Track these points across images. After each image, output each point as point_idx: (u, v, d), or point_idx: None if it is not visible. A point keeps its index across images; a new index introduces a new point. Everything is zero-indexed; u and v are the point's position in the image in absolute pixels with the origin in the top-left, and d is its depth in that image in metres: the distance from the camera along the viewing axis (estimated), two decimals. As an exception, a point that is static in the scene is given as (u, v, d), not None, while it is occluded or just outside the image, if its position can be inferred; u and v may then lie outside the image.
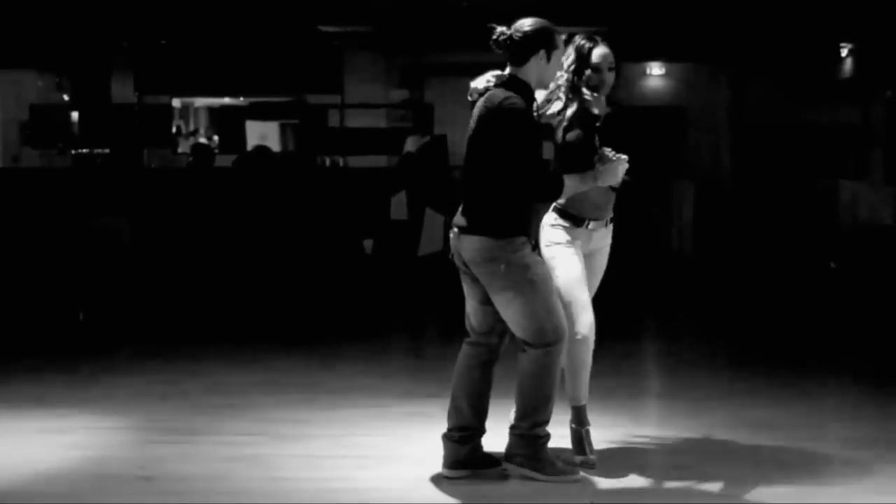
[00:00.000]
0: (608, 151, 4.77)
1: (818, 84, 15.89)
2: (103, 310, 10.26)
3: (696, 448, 5.34)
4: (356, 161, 15.17)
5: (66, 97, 16.55)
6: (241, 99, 17.09)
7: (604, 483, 4.78)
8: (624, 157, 4.77)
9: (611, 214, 5.10)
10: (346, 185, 13.02)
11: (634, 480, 4.82)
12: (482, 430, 4.87)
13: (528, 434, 4.76)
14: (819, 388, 6.83)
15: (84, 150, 15.72)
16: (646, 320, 9.98)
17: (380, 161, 14.77)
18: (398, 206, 12.15)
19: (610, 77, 4.94)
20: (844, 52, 15.53)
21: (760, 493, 4.68)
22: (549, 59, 4.72)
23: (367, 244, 12.58)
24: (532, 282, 4.62)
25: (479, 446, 4.88)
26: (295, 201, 12.57)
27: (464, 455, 4.82)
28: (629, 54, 16.21)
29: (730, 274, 12.94)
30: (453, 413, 4.86)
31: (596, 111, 4.99)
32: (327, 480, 4.83)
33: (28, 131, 16.18)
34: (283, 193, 12.63)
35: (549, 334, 4.67)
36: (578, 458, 4.98)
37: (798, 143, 15.92)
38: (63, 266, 11.99)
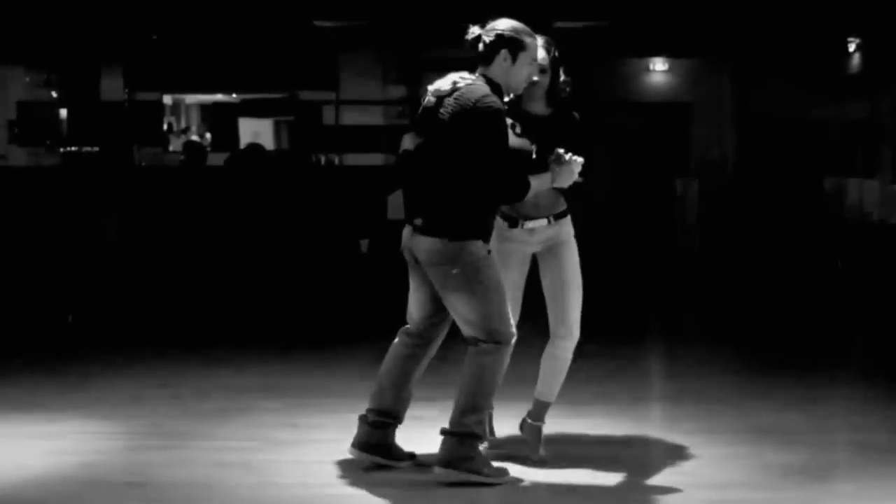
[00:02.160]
0: (563, 153, 4.82)
1: (825, 79, 15.89)
2: (92, 311, 10.26)
3: (700, 452, 5.34)
4: (352, 159, 15.18)
5: (54, 94, 16.54)
6: (234, 95, 17.09)
7: (606, 486, 4.79)
8: (579, 158, 4.82)
9: (558, 210, 5.08)
10: (342, 184, 13.03)
11: (636, 484, 4.83)
12: (399, 421, 5.05)
13: (466, 432, 4.77)
14: (827, 390, 6.83)
15: (73, 148, 15.73)
16: (649, 320, 9.98)
17: (376, 159, 14.79)
18: (395, 205, 12.15)
19: (541, 78, 4.96)
20: (852, 47, 15.53)
21: (766, 498, 4.69)
22: (514, 60, 4.76)
23: (364, 244, 12.59)
24: (484, 285, 4.72)
25: (392, 436, 5.04)
26: (289, 201, 12.58)
27: (375, 440, 4.99)
28: (632, 49, 16.26)
29: (735, 273, 12.95)
30: (376, 395, 5.05)
31: (536, 112, 5.05)
32: (322, 486, 4.84)
33: (16, 129, 16.18)
34: (277, 193, 12.64)
35: (501, 335, 4.78)
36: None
37: (805, 139, 15.92)
38: (51, 267, 11.99)
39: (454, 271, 4.71)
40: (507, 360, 4.84)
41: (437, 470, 4.81)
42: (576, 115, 5.10)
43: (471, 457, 4.79)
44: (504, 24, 4.82)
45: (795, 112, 16.09)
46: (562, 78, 5.07)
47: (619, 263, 13.42)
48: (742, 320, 9.86)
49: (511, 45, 4.76)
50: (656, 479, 4.89)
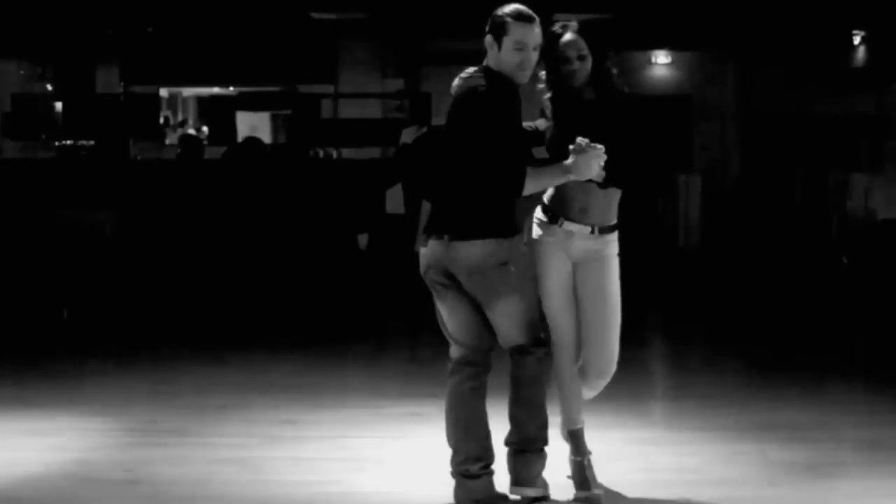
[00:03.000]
0: (583, 141, 4.41)
1: (830, 73, 15.87)
2: (88, 307, 10.26)
3: (703, 450, 5.35)
4: (350, 153, 15.16)
5: (49, 87, 16.54)
6: (231, 89, 17.08)
7: (608, 485, 4.79)
8: (599, 147, 4.39)
9: (608, 223, 4.67)
10: (340, 179, 13.01)
11: (639, 483, 4.82)
12: (492, 464, 4.60)
13: (542, 448, 4.58)
14: (831, 387, 6.83)
15: (68, 142, 15.70)
16: (651, 318, 9.98)
17: (375, 153, 14.77)
18: (394, 199, 12.13)
19: (581, 65, 4.63)
20: (857, 40, 15.51)
21: (769, 497, 4.69)
22: (499, 46, 4.47)
23: (362, 239, 12.56)
24: (532, 282, 4.56)
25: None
26: (287, 195, 12.56)
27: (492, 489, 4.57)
28: (634, 42, 16.23)
29: (738, 270, 12.94)
30: (460, 449, 4.54)
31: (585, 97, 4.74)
32: (319, 484, 4.83)
33: (10, 122, 16.16)
34: (275, 187, 12.62)
35: (546, 334, 4.60)
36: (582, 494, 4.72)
37: (809, 134, 15.90)
38: (46, 262, 11.97)
39: (512, 269, 4.41)
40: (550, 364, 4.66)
41: (526, 490, 4.55)
42: (626, 98, 4.75)
43: (542, 471, 4.61)
44: (497, 11, 4.56)
45: (800, 106, 16.08)
46: (607, 63, 4.70)
47: (620, 261, 13.39)
48: (746, 318, 9.85)
49: (494, 30, 4.50)
50: (660, 477, 4.89)
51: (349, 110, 15.88)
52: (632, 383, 6.87)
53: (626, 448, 5.36)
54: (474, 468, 4.49)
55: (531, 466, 4.55)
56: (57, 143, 15.75)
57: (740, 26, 15.19)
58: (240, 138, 15.19)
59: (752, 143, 16.69)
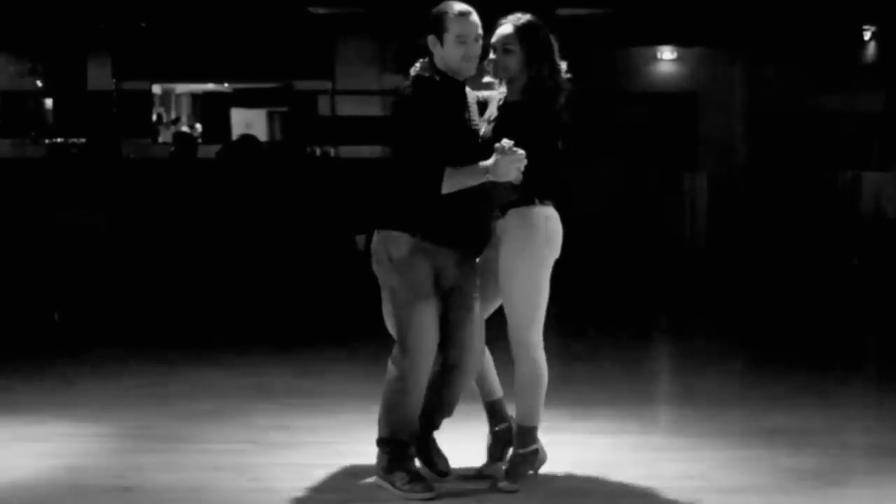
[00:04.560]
0: (507, 143, 4.53)
1: (839, 69, 15.87)
2: (79, 309, 10.25)
3: (709, 456, 5.34)
4: (348, 151, 15.16)
5: (39, 83, 16.52)
6: (226, 85, 17.07)
7: (612, 490, 4.78)
8: (520, 152, 4.51)
9: (504, 200, 4.76)
10: (338, 177, 13.00)
11: (644, 491, 4.82)
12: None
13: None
14: (840, 391, 6.83)
15: (59, 140, 15.71)
16: (656, 318, 9.99)
17: (373, 151, 14.76)
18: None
19: (502, 58, 4.78)
20: (867, 36, 15.52)
21: (779, 503, 4.68)
22: (442, 43, 4.79)
23: (360, 240, 12.55)
24: (391, 288, 4.82)
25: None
26: (283, 194, 12.56)
27: None
28: (638, 38, 16.23)
29: (745, 270, 12.95)
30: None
31: (494, 97, 4.94)
32: (317, 491, 4.83)
33: (-1, 119, 16.18)
34: (271, 186, 12.62)
35: (403, 342, 4.83)
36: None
37: (818, 131, 15.90)
38: (36, 263, 11.97)
39: (374, 264, 4.93)
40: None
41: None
42: (552, 105, 4.76)
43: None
44: (436, 7, 4.85)
45: (808, 103, 16.07)
46: (558, 66, 4.77)
47: (625, 260, 13.42)
48: (753, 319, 9.86)
49: (434, 28, 4.81)
50: (664, 484, 4.88)
51: (347, 107, 15.88)
52: (637, 386, 6.89)
53: (631, 454, 5.35)
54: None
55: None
56: (47, 141, 15.74)
57: (747, 21, 15.17)
58: (235, 136, 15.21)
59: (759, 141, 16.68)
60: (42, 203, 12.48)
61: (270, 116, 17.39)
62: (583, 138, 14.73)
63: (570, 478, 4.96)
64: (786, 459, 5.26)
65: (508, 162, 4.53)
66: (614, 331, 9.15)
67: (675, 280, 12.43)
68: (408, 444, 4.84)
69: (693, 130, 16.82)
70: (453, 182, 4.63)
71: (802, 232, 14.18)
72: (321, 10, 15.15)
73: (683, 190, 15.13)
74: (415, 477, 4.77)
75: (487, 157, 4.61)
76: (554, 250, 4.81)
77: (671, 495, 4.75)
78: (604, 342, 8.53)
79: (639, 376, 7.28)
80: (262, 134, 16.21)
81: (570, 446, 5.37)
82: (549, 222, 4.78)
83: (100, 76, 15.96)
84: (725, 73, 16.97)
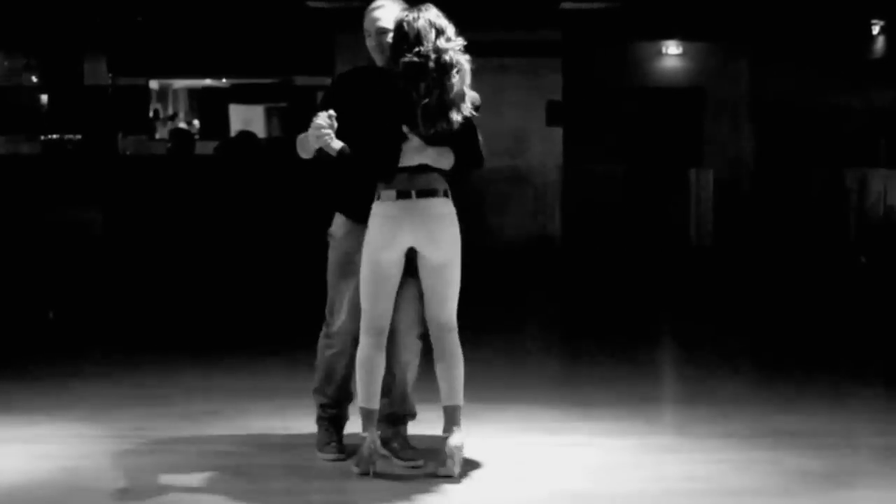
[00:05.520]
0: (323, 114, 4.88)
1: (847, 64, 15.88)
2: (74, 308, 10.26)
3: (714, 458, 5.34)
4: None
5: (35, 79, 16.54)
6: (224, 80, 17.07)
7: (615, 492, 4.79)
8: (318, 121, 4.86)
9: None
10: (338, 175, 12.99)
11: (650, 492, 4.82)
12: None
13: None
14: (848, 392, 6.83)
15: (54, 136, 15.73)
16: (662, 318, 9.98)
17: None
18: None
19: (375, 40, 5.10)
20: (876, 30, 15.52)
21: (784, 506, 4.69)
22: (367, 38, 5.16)
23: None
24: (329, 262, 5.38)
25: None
26: (282, 191, 12.56)
27: None
28: (643, 32, 16.23)
29: (752, 268, 12.95)
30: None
31: None
32: (316, 491, 4.83)
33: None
34: (269, 182, 12.63)
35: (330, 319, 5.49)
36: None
37: (825, 128, 15.91)
38: (31, 261, 11.98)
39: (332, 243, 5.59)
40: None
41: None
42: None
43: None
44: None
45: (815, 99, 16.08)
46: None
47: (630, 258, 13.42)
48: (759, 319, 9.86)
49: (364, 25, 5.16)
50: (669, 486, 4.88)
51: (347, 103, 15.85)
52: (642, 386, 6.88)
53: (636, 455, 5.35)
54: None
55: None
56: (42, 138, 15.76)
57: (754, 15, 15.17)
58: (233, 132, 15.22)
59: (766, 137, 16.69)
60: (37, 200, 12.49)
61: (269, 112, 17.38)
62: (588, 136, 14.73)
63: (574, 479, 4.96)
64: (792, 461, 5.26)
65: (306, 134, 4.97)
66: (618, 331, 9.15)
67: (681, 279, 12.43)
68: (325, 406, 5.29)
69: (699, 126, 16.82)
70: (299, 150, 5.22)
71: (809, 230, 14.18)
72: (320, 5, 15.14)
73: (689, 186, 15.13)
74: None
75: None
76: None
77: (677, 497, 4.75)
78: (607, 342, 8.53)
79: (644, 377, 7.28)
80: (260, 130, 16.20)
81: (574, 447, 5.38)
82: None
83: (96, 71, 15.97)
84: (732, 69, 16.97)
